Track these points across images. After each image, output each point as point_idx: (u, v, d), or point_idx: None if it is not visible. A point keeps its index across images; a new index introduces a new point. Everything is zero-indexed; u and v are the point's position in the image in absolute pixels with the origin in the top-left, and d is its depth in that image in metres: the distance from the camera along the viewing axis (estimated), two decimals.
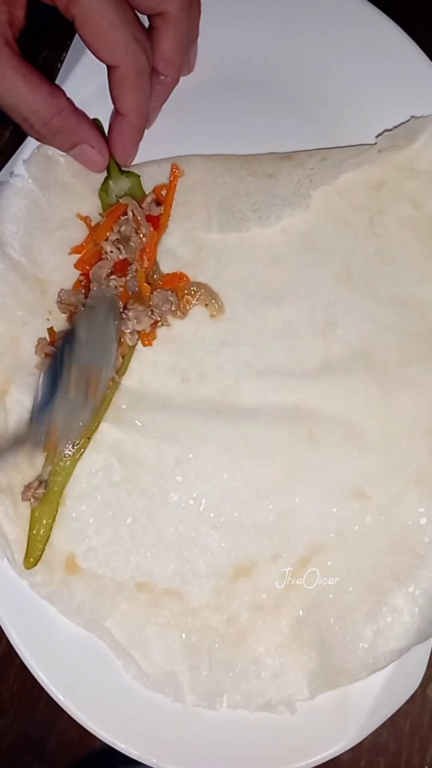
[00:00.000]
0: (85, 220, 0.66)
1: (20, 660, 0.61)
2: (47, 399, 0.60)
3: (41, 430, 0.60)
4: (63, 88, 0.60)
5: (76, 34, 0.59)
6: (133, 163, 0.66)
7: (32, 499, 0.62)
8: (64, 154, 0.65)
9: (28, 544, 0.62)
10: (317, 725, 0.60)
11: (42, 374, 0.61)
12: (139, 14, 0.60)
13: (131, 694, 0.61)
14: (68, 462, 0.63)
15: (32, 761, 0.71)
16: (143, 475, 0.63)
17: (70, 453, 0.62)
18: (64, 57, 0.67)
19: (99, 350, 0.62)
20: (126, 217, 0.65)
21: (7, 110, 0.58)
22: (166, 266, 0.66)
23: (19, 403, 0.64)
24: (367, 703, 0.60)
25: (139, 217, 0.64)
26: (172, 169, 0.65)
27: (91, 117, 0.64)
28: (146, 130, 0.65)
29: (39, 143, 0.64)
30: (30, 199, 0.65)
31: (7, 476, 0.63)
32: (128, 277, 0.64)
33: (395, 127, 0.65)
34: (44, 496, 0.62)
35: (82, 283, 0.65)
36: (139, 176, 0.66)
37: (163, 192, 0.66)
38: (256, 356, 0.65)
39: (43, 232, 0.65)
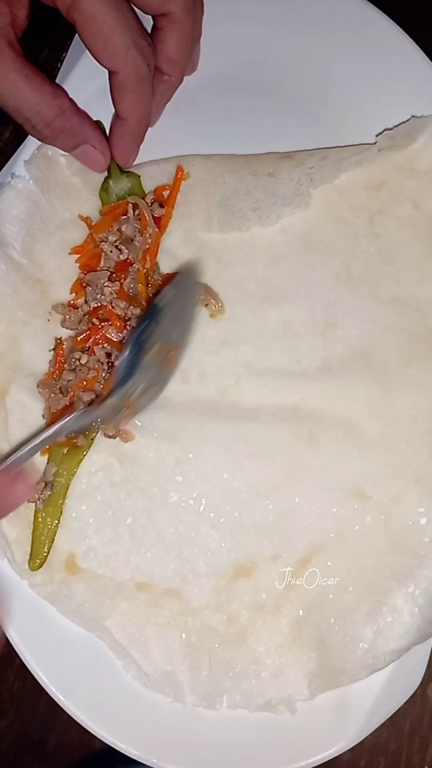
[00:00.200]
0: (86, 220, 0.66)
1: (20, 660, 0.61)
2: (128, 372, 0.60)
3: (120, 403, 0.60)
4: (63, 87, 0.60)
5: (76, 35, 0.59)
6: (133, 164, 0.67)
7: (38, 501, 0.62)
8: (64, 154, 0.65)
9: (32, 546, 0.62)
10: (317, 725, 0.60)
11: (127, 346, 0.61)
12: (143, 14, 0.60)
13: (131, 694, 0.61)
14: (71, 463, 0.63)
15: (32, 761, 0.71)
16: (143, 475, 0.63)
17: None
18: (64, 57, 0.67)
19: (182, 326, 0.63)
20: (126, 216, 0.65)
21: (9, 111, 0.58)
22: (166, 266, 0.66)
23: (20, 403, 0.64)
24: (367, 703, 0.60)
25: (147, 217, 0.64)
26: (177, 171, 0.66)
27: (92, 117, 0.64)
28: (147, 130, 0.65)
29: (39, 144, 0.64)
30: (31, 200, 0.65)
31: None
32: (128, 279, 0.64)
33: (395, 127, 0.65)
34: (47, 498, 0.62)
35: (83, 285, 0.65)
36: (139, 176, 0.66)
37: (165, 193, 0.66)
38: (256, 356, 0.65)
39: (44, 234, 0.66)
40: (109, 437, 0.63)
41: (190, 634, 0.62)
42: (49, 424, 0.61)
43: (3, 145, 0.77)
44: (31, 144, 0.65)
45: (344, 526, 0.62)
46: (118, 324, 0.64)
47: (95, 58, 0.58)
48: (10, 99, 0.57)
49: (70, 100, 0.60)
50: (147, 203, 0.65)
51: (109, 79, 0.60)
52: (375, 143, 0.65)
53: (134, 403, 0.61)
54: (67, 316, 0.65)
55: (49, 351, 0.65)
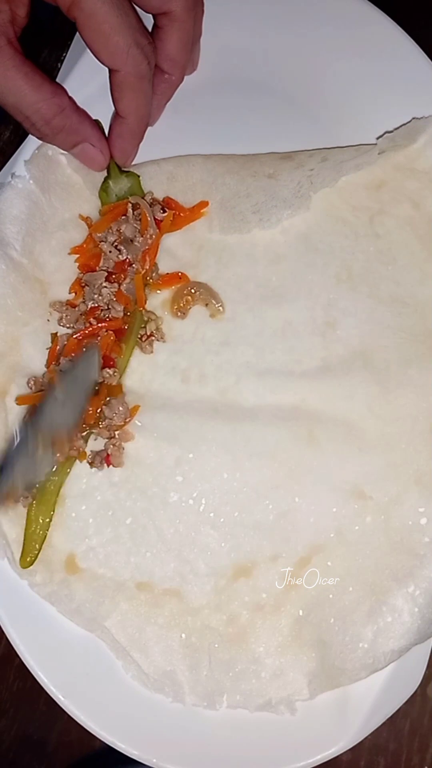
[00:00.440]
0: (86, 220, 0.66)
1: (20, 660, 0.61)
2: (11, 457, 0.60)
3: (2, 486, 0.59)
4: (63, 86, 0.60)
5: (76, 34, 0.59)
6: (133, 163, 0.67)
7: (22, 499, 0.62)
8: (64, 153, 0.65)
9: (24, 543, 0.62)
10: (317, 725, 0.60)
11: (16, 432, 0.61)
12: (143, 13, 0.60)
13: (131, 694, 0.61)
14: (65, 461, 0.63)
15: (32, 761, 0.71)
16: (143, 475, 0.63)
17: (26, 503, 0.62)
18: (64, 57, 0.67)
19: (71, 410, 0.61)
20: (125, 216, 0.65)
21: (8, 109, 0.58)
22: (166, 266, 0.66)
23: None
24: (367, 703, 0.60)
25: (148, 218, 0.64)
26: (201, 205, 0.66)
27: (91, 117, 0.64)
28: (147, 129, 0.65)
29: (39, 143, 0.64)
30: (31, 200, 0.65)
31: None
32: (127, 280, 0.64)
33: (396, 129, 0.65)
34: (40, 495, 0.62)
35: (81, 285, 0.65)
36: (138, 176, 0.66)
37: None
38: (256, 356, 0.65)
39: (44, 234, 0.66)
40: (96, 467, 0.63)
41: (190, 634, 0.62)
42: None
43: (3, 145, 0.77)
44: (31, 144, 0.65)
45: (344, 526, 0.62)
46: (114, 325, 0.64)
47: (96, 56, 0.58)
48: (9, 97, 0.57)
49: (70, 98, 0.60)
50: (147, 203, 0.65)
51: (110, 77, 0.60)
52: (375, 145, 0.65)
53: (17, 484, 0.60)
54: (64, 315, 0.64)
55: (46, 349, 0.65)
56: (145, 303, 0.65)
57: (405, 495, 0.62)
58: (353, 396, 0.64)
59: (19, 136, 0.75)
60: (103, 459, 0.63)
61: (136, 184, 0.66)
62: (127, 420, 0.63)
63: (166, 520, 0.63)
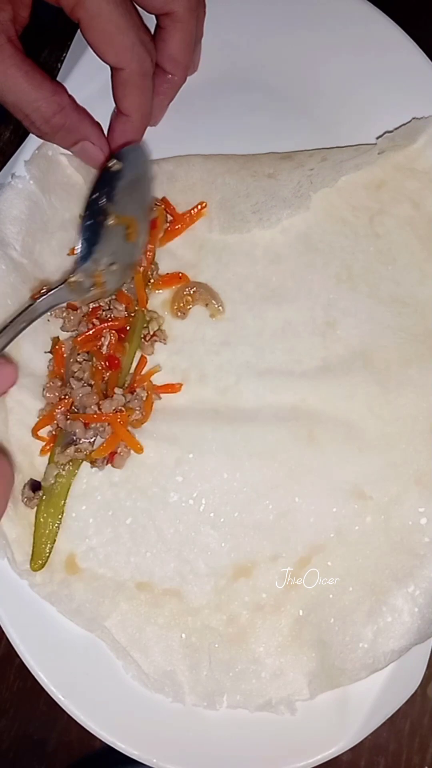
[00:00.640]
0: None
1: (20, 660, 0.61)
2: (92, 238, 0.62)
3: (91, 270, 0.61)
4: (63, 85, 0.60)
5: (76, 34, 0.59)
6: None
7: (28, 501, 0.62)
8: (65, 154, 0.65)
9: (34, 547, 0.62)
10: (317, 725, 0.60)
11: (81, 228, 0.63)
12: (146, 13, 0.60)
13: (131, 694, 0.61)
14: (72, 463, 0.63)
15: (32, 761, 0.71)
16: (143, 475, 0.63)
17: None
18: (64, 57, 0.67)
19: (136, 201, 0.63)
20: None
21: (9, 107, 0.58)
22: (166, 266, 0.66)
23: (20, 403, 0.64)
24: (367, 703, 0.60)
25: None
26: (200, 204, 0.66)
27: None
28: (147, 130, 0.65)
29: (39, 144, 0.64)
30: (31, 201, 0.65)
31: None
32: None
33: (396, 129, 0.65)
34: (48, 497, 0.62)
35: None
36: None
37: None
38: (256, 356, 0.65)
39: (44, 234, 0.66)
40: (97, 467, 0.63)
41: (190, 634, 0.62)
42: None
43: (3, 145, 0.77)
44: (31, 144, 0.65)
45: (344, 526, 0.62)
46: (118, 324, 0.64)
47: (100, 56, 0.58)
48: (9, 95, 0.57)
49: (70, 96, 0.60)
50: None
51: (112, 76, 0.60)
52: (375, 145, 0.65)
53: (103, 276, 0.62)
54: (67, 319, 0.65)
55: (45, 353, 0.65)
56: (146, 303, 0.65)
57: (405, 495, 0.62)
58: (353, 396, 0.64)
59: (19, 136, 0.75)
60: (105, 459, 0.63)
61: None
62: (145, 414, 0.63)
63: (166, 520, 0.63)
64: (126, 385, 0.64)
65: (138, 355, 0.65)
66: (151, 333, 0.64)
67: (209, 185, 0.66)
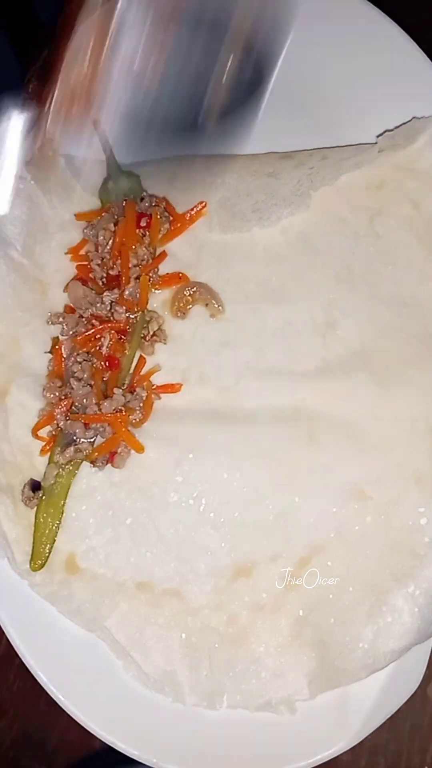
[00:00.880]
0: (85, 216, 0.66)
1: (20, 660, 0.61)
2: None
3: None
4: None
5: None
6: (132, 163, 0.67)
7: (28, 501, 0.62)
8: (64, 155, 0.65)
9: (33, 547, 0.62)
10: (317, 725, 0.60)
11: None
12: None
13: (131, 694, 0.61)
14: (70, 466, 0.63)
15: (32, 761, 0.71)
16: (143, 475, 0.63)
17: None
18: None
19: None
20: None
21: None
22: (167, 266, 0.66)
23: (20, 403, 0.64)
24: (367, 703, 0.60)
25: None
26: (201, 204, 0.66)
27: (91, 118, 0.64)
28: (147, 130, 0.65)
29: (40, 144, 0.64)
30: (32, 201, 0.65)
31: (7, 476, 0.63)
32: (131, 285, 0.65)
33: (396, 128, 0.65)
34: (47, 497, 0.62)
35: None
36: (138, 176, 0.67)
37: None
38: (256, 356, 0.65)
39: (45, 235, 0.66)
40: (97, 467, 0.63)
41: (190, 634, 0.62)
42: None
43: None
44: (31, 145, 0.65)
45: (344, 526, 0.62)
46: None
47: None
48: None
49: None
50: (148, 203, 0.65)
51: None
52: (375, 144, 0.65)
53: None
54: (64, 324, 0.65)
55: (45, 353, 0.65)
56: (147, 303, 0.65)
57: (405, 495, 0.62)
58: (353, 396, 0.64)
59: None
60: (105, 459, 0.63)
61: (136, 184, 0.66)
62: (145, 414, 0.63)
63: (166, 520, 0.63)
64: (126, 385, 0.64)
65: (138, 355, 0.65)
66: (151, 333, 0.64)
67: (209, 185, 0.66)
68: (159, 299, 0.66)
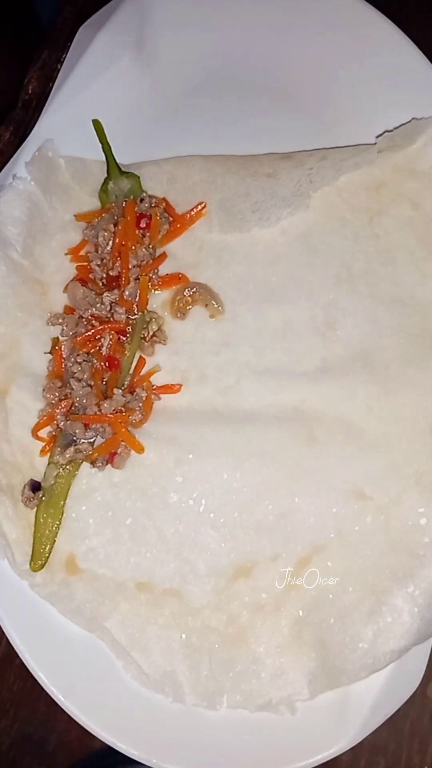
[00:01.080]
0: (85, 217, 0.66)
1: (20, 660, 0.61)
2: None
3: None
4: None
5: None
6: (132, 163, 0.67)
7: (28, 501, 0.62)
8: (64, 156, 0.65)
9: (33, 547, 0.62)
10: (317, 725, 0.60)
11: None
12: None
13: (131, 694, 0.61)
14: (70, 466, 0.63)
15: (32, 761, 0.71)
16: (143, 476, 0.63)
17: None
18: (64, 57, 0.67)
19: None
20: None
21: None
22: (167, 267, 0.66)
23: (20, 403, 0.64)
24: (367, 703, 0.60)
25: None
26: (201, 205, 0.66)
27: (91, 118, 0.64)
28: (148, 130, 0.65)
29: (40, 145, 0.64)
30: (32, 202, 0.65)
31: (7, 476, 0.63)
32: (130, 286, 0.65)
33: (395, 128, 0.66)
34: (48, 498, 0.62)
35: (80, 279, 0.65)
36: (138, 176, 0.67)
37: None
38: (256, 356, 0.65)
39: (45, 235, 0.66)
40: (97, 467, 0.63)
41: (190, 634, 0.62)
42: None
43: (3, 146, 0.77)
44: (31, 145, 0.65)
45: (344, 527, 0.62)
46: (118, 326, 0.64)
47: None
48: None
49: None
50: (148, 204, 0.65)
51: None
52: (375, 144, 0.65)
53: None
54: (64, 325, 0.65)
55: (45, 353, 0.65)
56: (147, 304, 0.65)
57: (405, 495, 0.62)
58: (353, 396, 0.64)
59: (18, 137, 0.75)
60: (105, 459, 0.63)
61: (136, 184, 0.66)
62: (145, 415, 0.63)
63: (166, 521, 0.63)
64: (126, 385, 0.64)
65: (137, 355, 0.65)
66: (151, 334, 0.64)
67: (209, 185, 0.66)
68: (159, 300, 0.66)
